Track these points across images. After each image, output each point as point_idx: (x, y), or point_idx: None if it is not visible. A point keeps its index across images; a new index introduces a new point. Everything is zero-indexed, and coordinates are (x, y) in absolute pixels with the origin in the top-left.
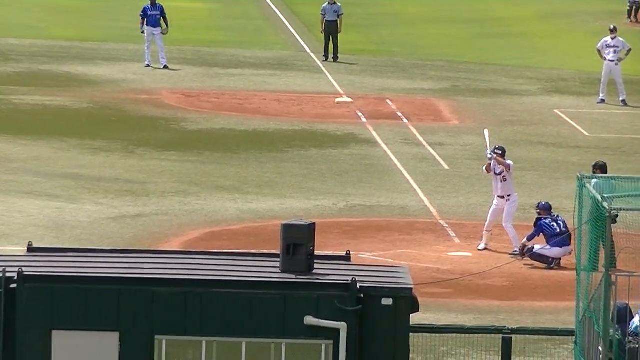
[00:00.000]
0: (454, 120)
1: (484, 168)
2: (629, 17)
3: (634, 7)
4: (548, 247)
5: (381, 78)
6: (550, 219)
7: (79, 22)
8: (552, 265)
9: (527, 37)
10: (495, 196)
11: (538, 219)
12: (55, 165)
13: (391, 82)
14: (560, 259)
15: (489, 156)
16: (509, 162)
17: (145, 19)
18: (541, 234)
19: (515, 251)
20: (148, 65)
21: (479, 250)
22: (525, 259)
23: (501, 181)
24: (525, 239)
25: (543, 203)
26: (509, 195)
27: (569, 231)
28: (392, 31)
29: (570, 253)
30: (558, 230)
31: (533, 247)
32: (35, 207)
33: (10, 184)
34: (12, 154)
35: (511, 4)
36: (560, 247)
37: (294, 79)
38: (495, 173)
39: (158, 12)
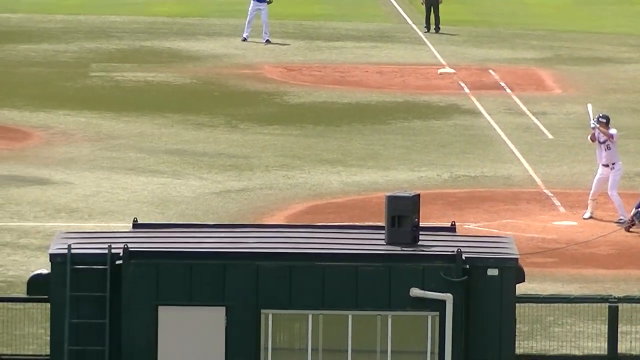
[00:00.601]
0: (557, 89)
1: (589, 137)
2: None
3: None
4: None
5: (483, 48)
6: None
7: None
8: None
9: (628, 5)
10: (600, 165)
11: None
12: (158, 141)
13: (493, 52)
14: None
15: (592, 125)
16: (612, 131)
17: None
18: None
19: (621, 219)
20: (245, 39)
21: (585, 219)
22: (634, 227)
23: (605, 150)
24: (634, 209)
25: None
26: (613, 164)
27: None
28: (493, 1)
29: None
30: None
31: None
32: (140, 183)
33: (114, 160)
34: (115, 130)
35: None
36: None
37: (396, 50)
38: (599, 142)
39: None
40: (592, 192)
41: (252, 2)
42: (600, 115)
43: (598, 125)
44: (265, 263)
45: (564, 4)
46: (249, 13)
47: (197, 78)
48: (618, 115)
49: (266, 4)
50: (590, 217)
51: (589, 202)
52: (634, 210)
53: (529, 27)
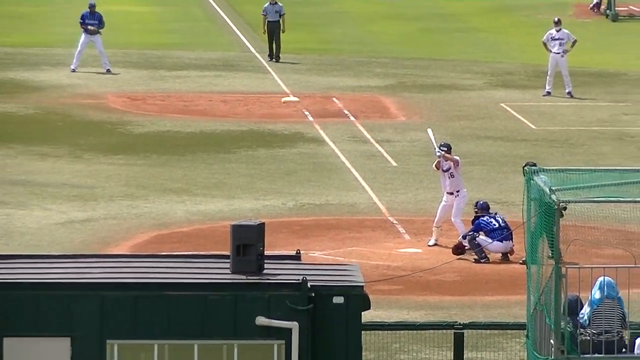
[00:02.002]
0: (401, 117)
1: (434, 165)
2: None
3: None
4: (489, 240)
5: (327, 76)
6: (488, 217)
7: (23, 27)
8: (482, 260)
9: (472, 32)
10: (445, 193)
11: (476, 217)
12: (2, 172)
13: (337, 80)
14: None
15: (437, 154)
16: (456, 157)
17: (85, 28)
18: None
19: (467, 248)
20: (74, 70)
21: (429, 246)
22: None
23: (449, 177)
24: (460, 237)
25: (481, 202)
26: (457, 191)
27: (508, 227)
28: (337, 29)
29: (511, 249)
30: (497, 226)
31: (477, 235)
32: None
33: None
34: None
35: None
36: (501, 242)
37: (240, 79)
38: (443, 170)
39: (97, 22)
40: (436, 219)
41: (83, 34)
42: (442, 143)
43: (443, 153)
44: (110, 293)
45: (410, 31)
46: (79, 45)
47: (41, 108)
48: (462, 142)
49: (99, 35)
50: (435, 244)
51: (433, 229)
52: (460, 237)
53: (374, 54)
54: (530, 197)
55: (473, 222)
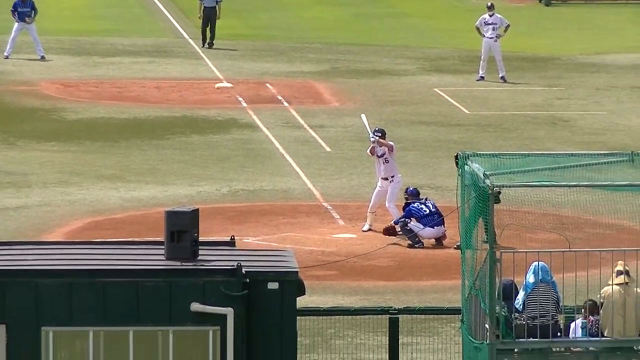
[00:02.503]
0: (334, 102)
1: (368, 151)
2: None
3: None
4: (421, 226)
5: (260, 62)
6: (418, 203)
7: None
8: (416, 245)
9: (404, 17)
10: (379, 178)
11: (407, 204)
12: None
13: (270, 65)
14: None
15: (372, 139)
16: (390, 143)
17: (17, 15)
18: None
19: (399, 232)
20: (7, 57)
21: (364, 231)
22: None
23: (384, 163)
24: (392, 222)
25: (411, 189)
26: (392, 177)
27: (439, 212)
28: (269, 15)
29: (443, 234)
30: (427, 212)
31: (409, 222)
32: None
33: None
34: None
35: None
36: (433, 227)
37: (173, 65)
38: (377, 155)
39: (29, 9)
40: (371, 204)
41: (16, 22)
42: (376, 129)
43: (377, 139)
44: (45, 280)
45: (342, 17)
46: (13, 31)
47: None
48: (396, 127)
49: (33, 21)
50: (370, 230)
51: (368, 214)
52: (392, 222)
53: (306, 40)
54: (465, 182)
55: (404, 208)
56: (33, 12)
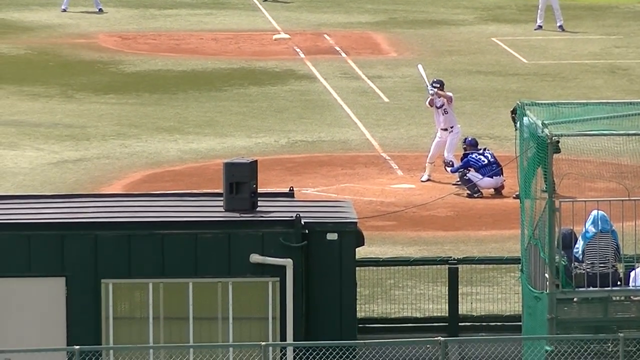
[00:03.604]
0: (392, 53)
1: (427, 102)
2: None
3: None
4: (479, 176)
5: (318, 13)
6: (477, 154)
7: None
8: (475, 195)
9: None
10: (438, 129)
11: (465, 154)
12: None
13: (328, 16)
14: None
15: (430, 91)
16: (449, 94)
17: None
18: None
19: (458, 182)
20: (64, 10)
21: (422, 181)
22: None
23: (443, 114)
24: (449, 169)
25: (469, 139)
26: (451, 127)
27: (498, 162)
28: None
29: (502, 184)
30: (486, 162)
31: (467, 172)
32: None
33: None
34: None
35: None
36: (492, 177)
37: (230, 17)
38: (436, 107)
39: None
40: (430, 155)
41: None
42: (434, 80)
43: (436, 90)
44: (103, 232)
45: None
46: None
47: (32, 49)
48: (453, 77)
49: None
50: (428, 180)
51: (426, 165)
52: (449, 169)
53: None
54: (523, 135)
55: (462, 159)
56: None
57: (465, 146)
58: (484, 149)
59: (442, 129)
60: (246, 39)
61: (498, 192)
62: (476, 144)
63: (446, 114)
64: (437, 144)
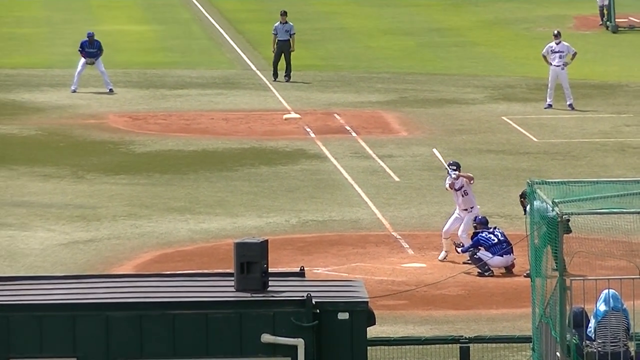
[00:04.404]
0: (403, 132)
1: (447, 186)
2: (602, 21)
3: (603, 10)
4: (490, 255)
5: (328, 93)
6: (487, 232)
7: (23, 49)
8: (486, 274)
9: (471, 46)
10: (459, 209)
11: (475, 233)
12: (4, 193)
13: (338, 96)
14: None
15: (453, 175)
16: (470, 174)
17: (85, 54)
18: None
19: (469, 261)
20: (74, 91)
21: (440, 260)
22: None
23: (462, 195)
24: (459, 250)
25: (480, 217)
26: (471, 207)
27: (508, 241)
28: (337, 45)
29: (512, 263)
30: (496, 241)
31: (477, 251)
32: None
33: None
34: None
35: (452, 14)
36: (502, 256)
37: (241, 97)
38: (455, 189)
39: (96, 49)
40: (445, 229)
41: (82, 58)
42: (450, 162)
43: (458, 173)
44: (115, 313)
45: (408, 46)
46: (79, 66)
47: (43, 129)
48: (464, 156)
49: (99, 57)
50: (446, 257)
51: (443, 240)
52: (459, 249)
53: (373, 70)
54: (533, 210)
55: (472, 237)
56: (99, 52)
57: (475, 224)
58: (494, 228)
59: (462, 210)
60: (257, 119)
61: (509, 270)
62: (486, 222)
63: (466, 195)
64: (455, 219)
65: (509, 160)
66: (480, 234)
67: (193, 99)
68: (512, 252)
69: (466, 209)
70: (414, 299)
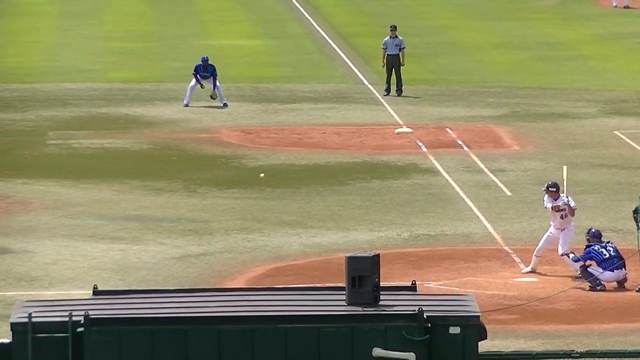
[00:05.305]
0: (514, 146)
1: (550, 206)
2: None
3: None
4: (600, 270)
5: (439, 107)
6: (599, 246)
7: (135, 63)
8: (597, 288)
9: (583, 60)
10: (553, 227)
11: (588, 246)
12: (117, 207)
13: (449, 110)
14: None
15: (563, 201)
16: (572, 203)
17: (197, 77)
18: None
19: (579, 275)
20: (186, 105)
21: (523, 272)
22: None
23: (561, 217)
24: (570, 256)
25: (593, 230)
26: (567, 227)
27: (620, 256)
28: (448, 59)
29: (624, 278)
30: (607, 256)
31: (588, 266)
32: (99, 250)
33: (73, 228)
34: (73, 198)
35: (564, 28)
36: (612, 271)
37: (353, 111)
38: (557, 210)
39: (209, 74)
40: (538, 247)
41: (195, 76)
42: (550, 183)
43: (569, 207)
44: (227, 327)
45: (520, 60)
46: (192, 81)
47: (155, 143)
48: (577, 170)
49: (216, 95)
50: (531, 272)
51: (533, 257)
52: (570, 261)
53: (485, 84)
54: None
55: (585, 249)
56: (212, 78)
57: (588, 237)
58: (608, 242)
59: (556, 228)
60: (369, 133)
61: (621, 285)
62: (599, 235)
63: (565, 217)
64: (547, 238)
65: (621, 174)
66: (593, 247)
67: (305, 113)
68: (625, 267)
69: (562, 229)
70: (526, 314)
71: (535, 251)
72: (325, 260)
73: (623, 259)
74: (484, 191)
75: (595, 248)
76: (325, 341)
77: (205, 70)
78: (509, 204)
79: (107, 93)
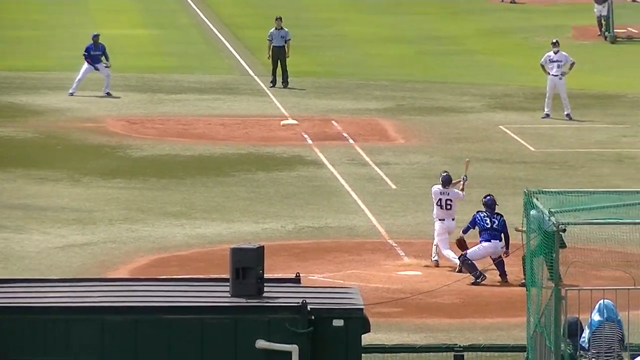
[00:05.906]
0: (400, 139)
1: (463, 195)
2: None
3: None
4: (477, 251)
5: (326, 99)
6: (485, 214)
7: (21, 51)
8: (479, 279)
9: (469, 55)
10: (437, 220)
11: (477, 212)
12: (1, 195)
13: (335, 102)
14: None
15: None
16: (462, 194)
17: (90, 59)
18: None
19: (458, 271)
20: (72, 94)
21: (434, 260)
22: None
23: (445, 208)
24: (461, 231)
25: (488, 198)
26: (451, 219)
27: (504, 230)
28: (335, 52)
29: (502, 249)
30: (489, 226)
31: (467, 253)
32: None
33: None
34: None
35: (451, 22)
36: (489, 241)
37: (239, 102)
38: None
39: (100, 52)
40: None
41: (86, 64)
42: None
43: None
44: (110, 317)
45: (407, 54)
46: (81, 72)
47: (40, 132)
48: (461, 164)
49: (101, 63)
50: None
51: (433, 247)
52: (461, 232)
53: (371, 77)
54: (530, 227)
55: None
56: (103, 55)
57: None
58: (496, 214)
59: (439, 219)
60: (254, 124)
61: (504, 278)
62: (492, 205)
63: (450, 209)
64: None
65: (505, 169)
66: (479, 213)
67: (190, 104)
68: (502, 240)
69: (443, 219)
70: (409, 307)
71: (441, 252)
72: (209, 252)
73: (507, 236)
74: (368, 184)
75: (481, 216)
76: (208, 332)
77: (96, 49)
78: (393, 197)
79: None
